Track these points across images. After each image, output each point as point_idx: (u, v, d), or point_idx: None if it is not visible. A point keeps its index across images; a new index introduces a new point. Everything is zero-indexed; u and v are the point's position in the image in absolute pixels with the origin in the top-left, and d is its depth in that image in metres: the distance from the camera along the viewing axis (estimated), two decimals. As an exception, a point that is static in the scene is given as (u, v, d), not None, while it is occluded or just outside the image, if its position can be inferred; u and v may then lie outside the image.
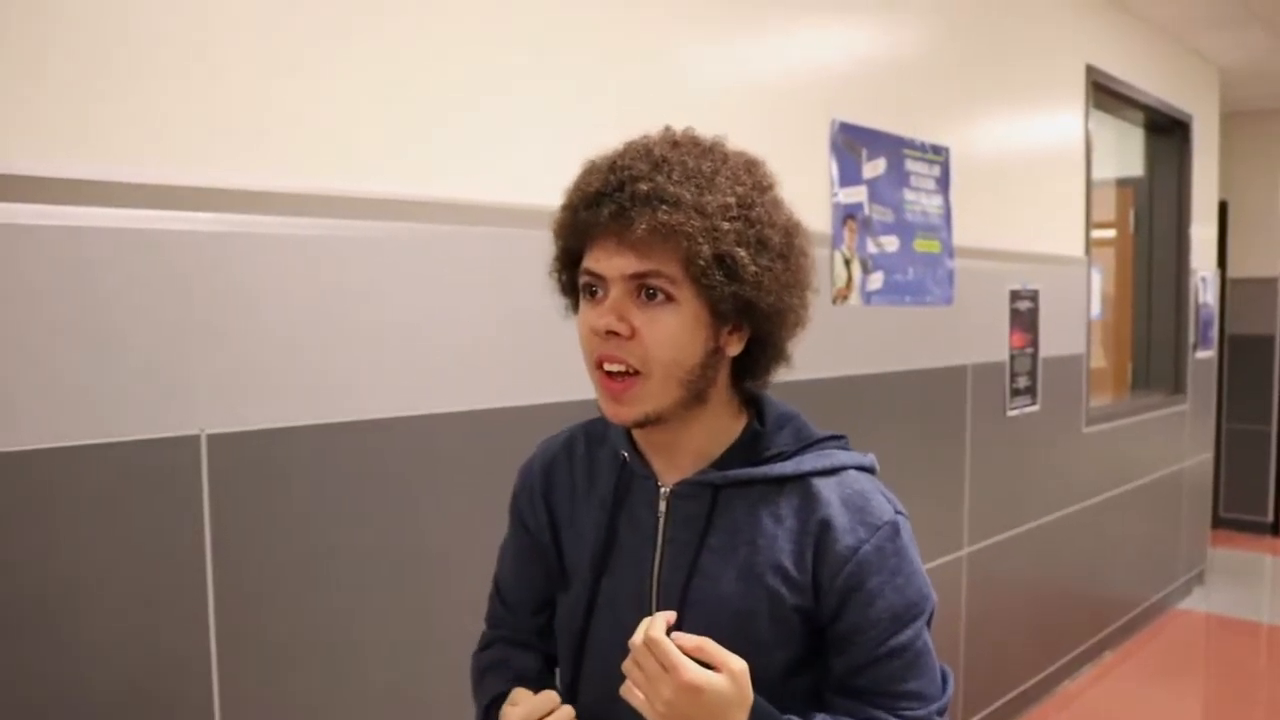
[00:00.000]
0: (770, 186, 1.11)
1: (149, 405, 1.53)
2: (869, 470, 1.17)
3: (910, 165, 3.14)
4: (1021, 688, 3.95)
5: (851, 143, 2.90)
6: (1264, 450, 6.84)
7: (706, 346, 1.06)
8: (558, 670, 1.29)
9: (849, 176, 2.89)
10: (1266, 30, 4.99)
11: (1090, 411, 4.39)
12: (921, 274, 3.20)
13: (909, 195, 3.13)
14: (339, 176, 1.76)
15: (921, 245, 3.19)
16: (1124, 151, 5.32)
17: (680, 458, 1.14)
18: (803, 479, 1.11)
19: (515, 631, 1.34)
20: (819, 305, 2.89)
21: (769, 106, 2.64)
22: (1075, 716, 3.99)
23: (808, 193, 2.78)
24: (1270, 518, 6.86)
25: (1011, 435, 3.78)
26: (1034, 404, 3.92)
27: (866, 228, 2.95)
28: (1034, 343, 3.91)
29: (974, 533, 3.58)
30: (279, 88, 1.68)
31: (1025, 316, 3.84)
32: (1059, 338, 4.09)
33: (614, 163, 1.06)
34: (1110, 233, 5.32)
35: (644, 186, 1.01)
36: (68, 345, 1.45)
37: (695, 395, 1.08)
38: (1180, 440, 5.34)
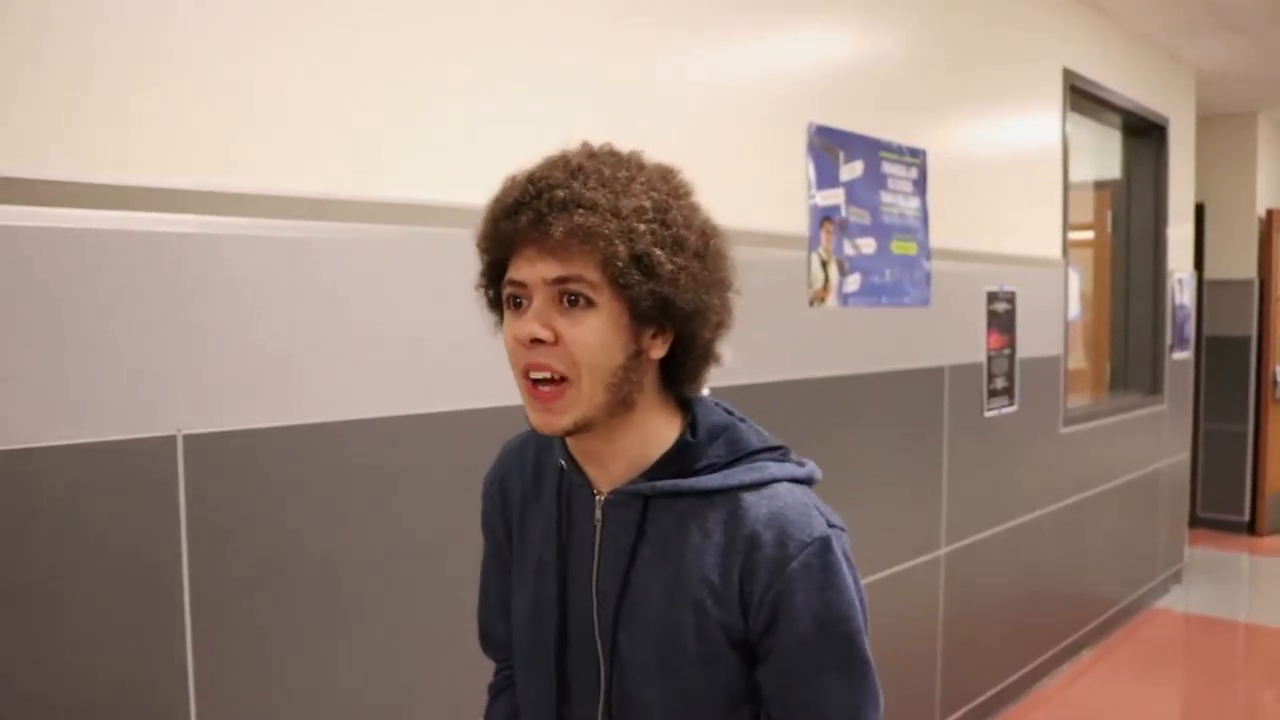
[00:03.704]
0: (686, 193, 1.14)
1: (124, 406, 1.53)
2: (805, 481, 1.15)
3: (887, 167, 3.16)
4: (999, 686, 3.97)
5: (829, 145, 2.92)
6: (1241, 450, 6.90)
7: (629, 349, 1.06)
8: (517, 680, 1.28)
9: (826, 179, 2.91)
10: (1240, 35, 5.04)
11: (1068, 412, 4.42)
12: (899, 276, 3.22)
13: (886, 197, 3.15)
14: (317, 180, 1.77)
15: (899, 247, 3.22)
16: (1101, 154, 5.36)
17: (614, 466, 1.13)
18: (732, 492, 1.10)
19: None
20: (797, 307, 2.90)
21: (746, 109, 2.65)
22: (1053, 715, 4.02)
23: (785, 195, 2.79)
24: (1247, 517, 6.91)
25: (989, 436, 3.80)
26: (1011, 405, 3.94)
27: (843, 230, 2.97)
28: (1011, 344, 3.93)
29: (952, 533, 3.60)
30: (257, 90, 1.69)
31: (1003, 318, 3.87)
32: (1036, 339, 4.12)
33: (532, 174, 1.09)
34: (1088, 234, 5.37)
35: (560, 193, 1.03)
36: (42, 345, 1.45)
37: (622, 400, 1.08)
38: (1158, 440, 5.38)
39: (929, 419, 3.47)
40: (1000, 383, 3.86)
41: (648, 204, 1.05)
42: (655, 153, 2.55)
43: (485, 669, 2.07)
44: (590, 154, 1.11)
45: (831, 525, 1.11)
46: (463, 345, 1.98)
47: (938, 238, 3.41)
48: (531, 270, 1.05)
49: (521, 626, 1.22)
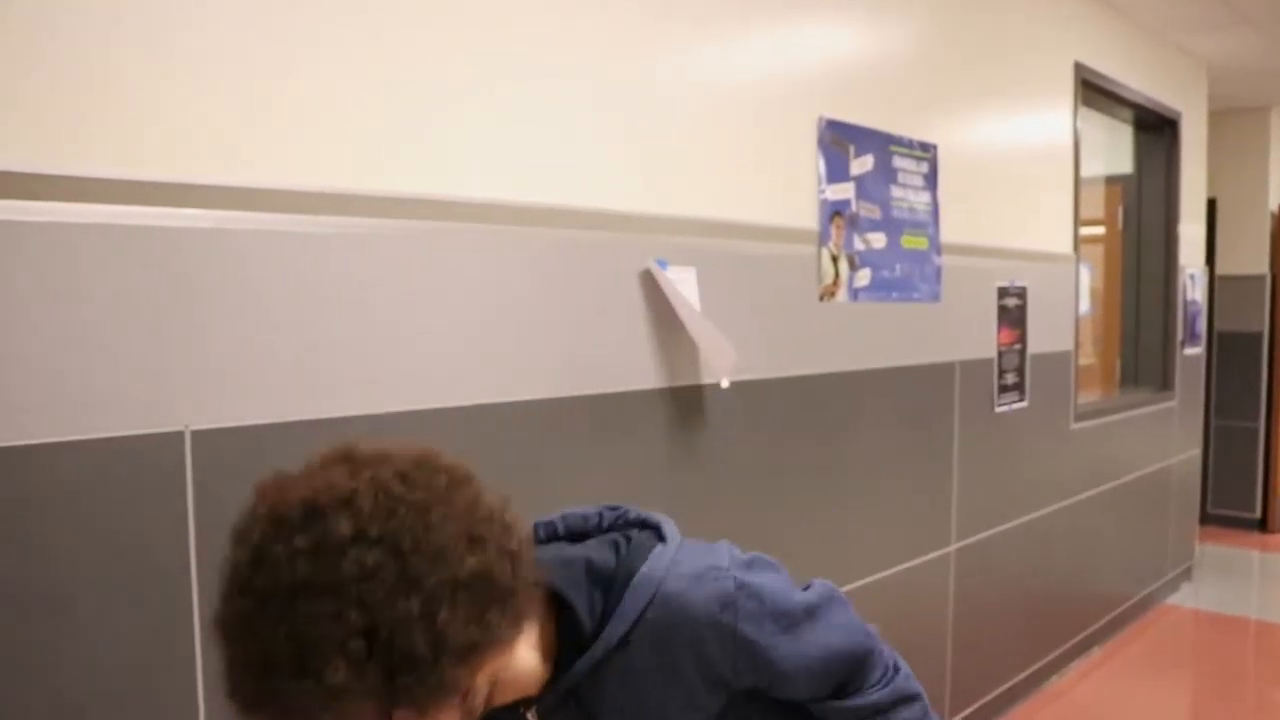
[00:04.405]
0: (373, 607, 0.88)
1: (132, 401, 1.53)
2: (675, 560, 1.11)
3: (898, 162, 3.15)
4: (1009, 683, 3.96)
5: (839, 140, 2.90)
6: (1252, 447, 6.86)
7: (454, 703, 0.95)
8: None
9: (836, 173, 2.89)
10: (1253, 29, 5.01)
11: (1078, 408, 4.40)
12: (909, 271, 3.20)
13: (896, 192, 3.14)
14: (326, 174, 1.76)
15: (909, 242, 3.20)
16: (1113, 149, 5.33)
17: (525, 689, 1.07)
18: (635, 627, 1.07)
19: None
20: (807, 302, 2.87)
21: (756, 104, 2.64)
22: (1063, 712, 4.00)
23: (795, 189, 2.78)
24: (1258, 514, 6.88)
25: (999, 432, 3.79)
26: (1022, 401, 3.93)
27: (854, 224, 2.95)
28: (1022, 339, 3.92)
29: (962, 529, 3.59)
30: (268, 85, 1.68)
31: (1013, 313, 3.85)
32: (1047, 334, 4.11)
33: (228, 659, 0.92)
34: (1099, 230, 5.34)
35: (265, 711, 0.89)
36: (50, 341, 1.45)
37: (487, 704, 1.01)
38: (1168, 437, 5.36)
39: (939, 415, 3.45)
40: (1011, 378, 3.84)
41: (358, 647, 0.86)
42: (665, 148, 2.55)
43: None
44: (256, 609, 0.89)
45: (719, 577, 1.10)
46: (475, 341, 1.98)
47: (948, 232, 3.40)
48: None
49: None
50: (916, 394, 3.32)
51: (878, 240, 3.06)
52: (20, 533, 1.43)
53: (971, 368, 3.59)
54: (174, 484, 1.58)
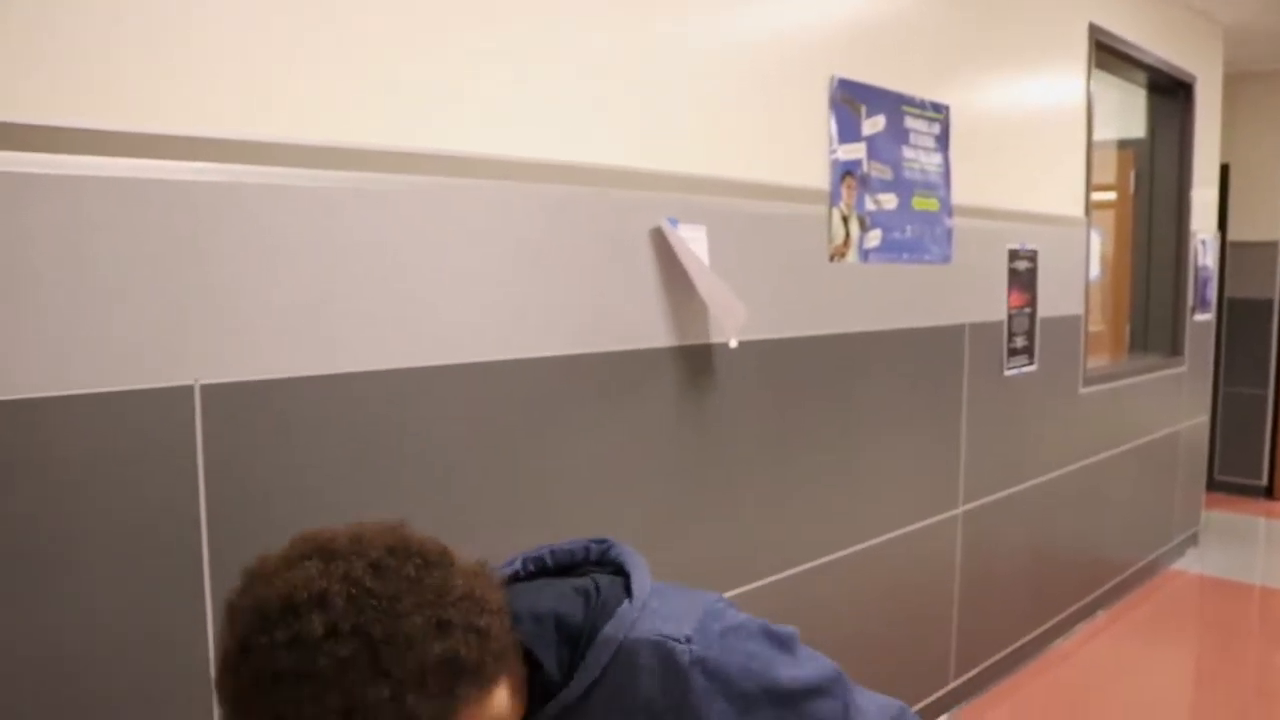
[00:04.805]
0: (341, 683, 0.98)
1: (142, 355, 1.53)
2: (641, 613, 1.16)
3: (910, 123, 3.12)
4: (1015, 645, 3.98)
5: (851, 99, 2.88)
6: (1260, 414, 6.85)
7: None
8: None
9: (848, 133, 2.87)
10: (1272, -10, 4.95)
11: (1087, 373, 4.39)
12: (920, 232, 3.19)
13: (908, 153, 3.11)
14: (340, 129, 1.75)
15: (920, 203, 3.18)
16: (1126, 112, 5.29)
17: None
18: (596, 685, 1.13)
19: None
20: (817, 263, 2.86)
21: (769, 62, 2.61)
22: (1068, 674, 4.03)
23: (806, 149, 2.76)
24: (1265, 481, 6.88)
25: (1008, 395, 3.78)
26: (1031, 364, 3.92)
27: (865, 185, 2.93)
28: (1032, 303, 3.90)
29: (969, 492, 3.59)
30: (283, 40, 1.66)
31: (1024, 276, 3.83)
32: (1057, 298, 4.09)
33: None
34: (1110, 195, 5.30)
35: None
36: (60, 294, 1.44)
37: None
38: (1177, 403, 5.35)
39: (948, 377, 3.45)
40: (1020, 341, 3.83)
41: None
42: (677, 105, 2.53)
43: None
44: (251, 682, 0.99)
45: (684, 641, 1.12)
46: (486, 297, 1.97)
47: (960, 194, 3.37)
48: None
49: None
50: (925, 356, 3.31)
51: (889, 201, 3.04)
52: (29, 486, 1.43)
53: (981, 330, 3.58)
54: (184, 438, 1.58)
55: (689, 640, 1.12)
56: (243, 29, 1.63)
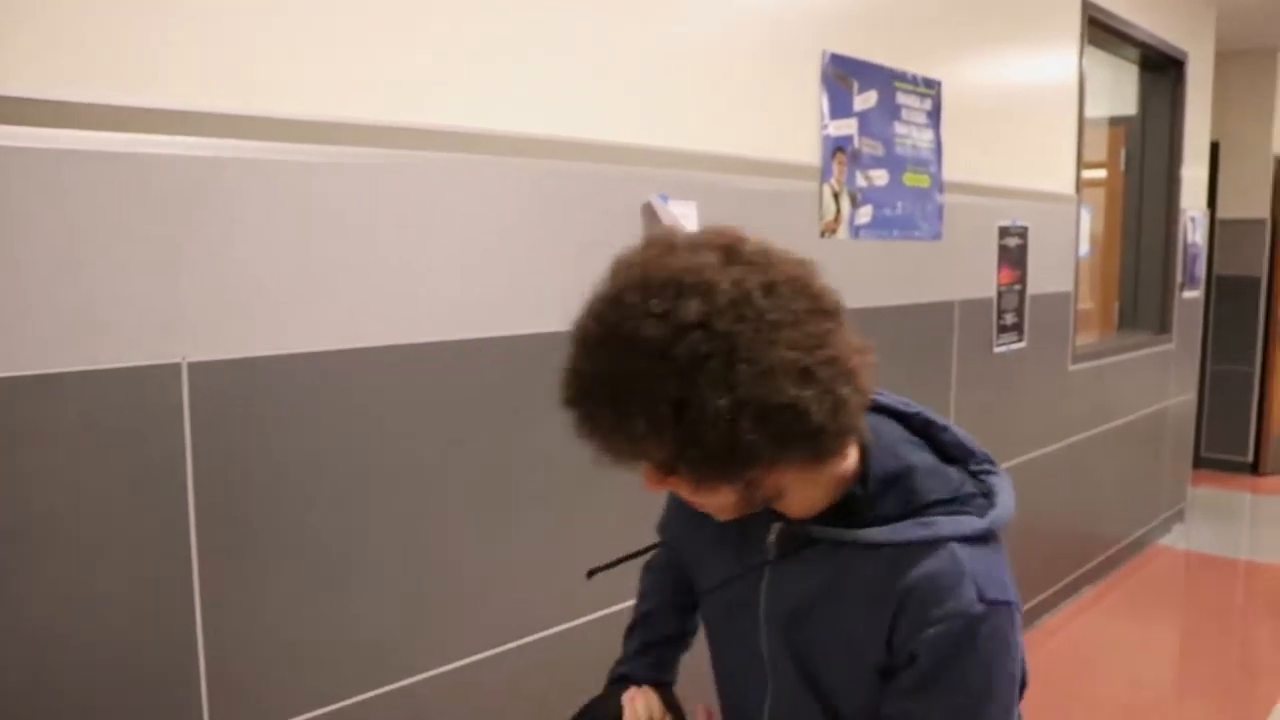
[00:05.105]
0: (727, 352, 0.95)
1: (129, 332, 1.51)
2: (979, 539, 1.10)
3: (902, 98, 3.11)
4: (1001, 621, 3.99)
5: (843, 75, 2.86)
6: (1246, 391, 6.89)
7: (735, 487, 1.05)
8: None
9: (840, 109, 2.86)
10: (1264, -34, 4.94)
11: (1076, 350, 4.40)
12: (910, 208, 3.18)
13: (900, 129, 3.10)
14: (326, 103, 1.73)
15: (911, 179, 3.17)
16: (1117, 89, 5.28)
17: (787, 510, 1.15)
18: (895, 546, 1.09)
19: (675, 581, 1.46)
20: (808, 238, 2.84)
21: (760, 37, 2.60)
22: (1056, 649, 4.05)
23: (797, 124, 2.75)
24: (1250, 458, 6.92)
25: (997, 372, 3.79)
26: (1021, 341, 3.92)
27: (856, 161, 2.92)
28: (1022, 280, 3.90)
29: (958, 468, 3.59)
30: (266, 12, 1.64)
31: (1014, 253, 3.83)
32: (1047, 275, 4.09)
33: (566, 371, 1.03)
34: (1101, 172, 5.30)
35: (576, 415, 1.02)
36: (47, 270, 1.43)
37: (763, 500, 1.10)
38: (1165, 380, 5.36)
39: (938, 354, 3.45)
40: (1010, 318, 3.83)
41: (663, 412, 0.96)
42: (668, 80, 2.51)
43: (492, 595, 2.09)
44: (604, 336, 0.99)
45: (986, 600, 1.06)
46: (475, 273, 1.96)
47: (951, 171, 3.37)
48: None
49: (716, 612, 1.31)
50: (915, 332, 3.31)
51: (880, 177, 3.03)
52: (18, 463, 1.43)
53: (971, 307, 3.58)
54: (171, 415, 1.57)
55: (992, 604, 1.06)
56: (228, 2, 1.60)
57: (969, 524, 1.10)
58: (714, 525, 1.18)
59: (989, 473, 1.20)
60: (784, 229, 2.70)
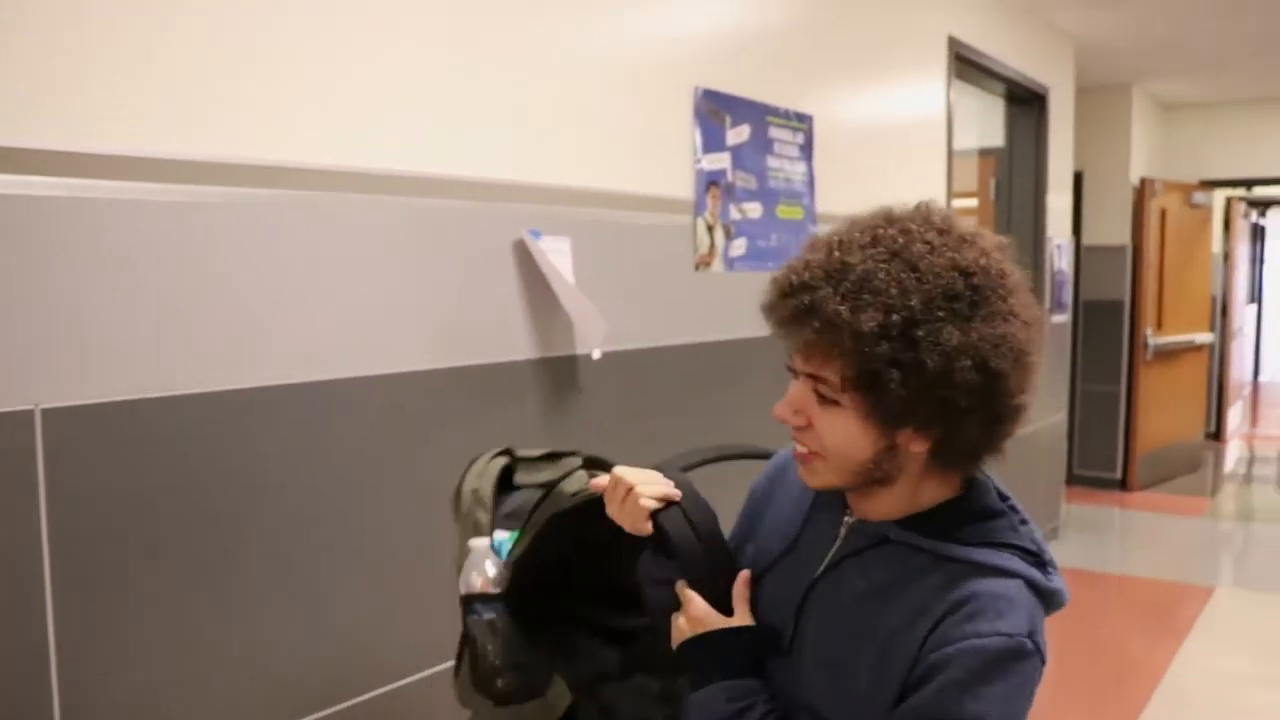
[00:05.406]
0: (974, 299, 1.07)
1: (-27, 377, 1.46)
2: (1045, 596, 1.13)
3: (774, 132, 3.18)
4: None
5: (715, 110, 2.92)
6: (1114, 411, 7.17)
7: (878, 445, 1.10)
8: None
9: (712, 143, 2.91)
10: (1116, 8, 5.19)
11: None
12: (784, 240, 3.25)
13: (773, 162, 3.17)
14: (188, 141, 1.69)
15: (785, 212, 3.24)
16: (985, 121, 5.47)
17: (870, 508, 1.19)
18: (971, 564, 1.11)
19: None
20: (682, 271, 2.87)
21: (633, 73, 2.63)
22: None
23: (670, 159, 2.79)
24: (1119, 474, 7.20)
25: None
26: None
27: (729, 194, 2.98)
28: (896, 308, 3.99)
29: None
30: (125, 50, 1.60)
31: (887, 282, 3.92)
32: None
33: (807, 260, 1.11)
34: (972, 201, 5.48)
35: (807, 299, 1.07)
36: (-120, 315, 1.38)
37: (876, 480, 1.14)
38: (1036, 401, 5.52)
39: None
40: (885, 346, 3.92)
41: (897, 319, 1.04)
42: (540, 116, 2.51)
43: (369, 640, 2.04)
44: (873, 238, 1.10)
45: (1035, 642, 1.09)
46: (346, 312, 1.94)
47: (824, 203, 3.45)
48: (792, 358, 1.14)
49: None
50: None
51: (753, 210, 3.09)
52: None
53: (847, 336, 3.65)
54: (24, 464, 1.52)
55: (1037, 649, 1.10)
56: (89, 39, 1.57)
57: (1038, 576, 1.13)
58: (787, 514, 1.28)
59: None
60: (659, 262, 2.74)
